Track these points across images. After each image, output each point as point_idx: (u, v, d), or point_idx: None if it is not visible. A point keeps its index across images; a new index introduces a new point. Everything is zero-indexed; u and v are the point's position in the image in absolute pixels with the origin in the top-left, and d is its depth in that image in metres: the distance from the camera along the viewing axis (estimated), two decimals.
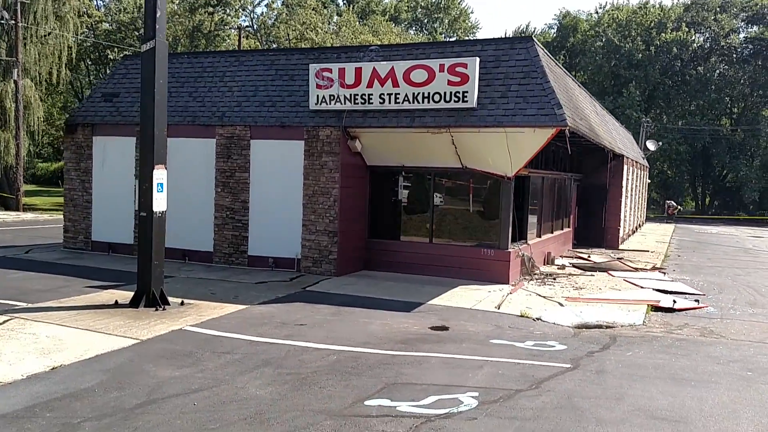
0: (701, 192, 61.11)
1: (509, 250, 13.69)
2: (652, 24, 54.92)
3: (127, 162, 15.80)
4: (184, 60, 16.41)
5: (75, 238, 16.70)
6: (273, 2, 49.99)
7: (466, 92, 12.76)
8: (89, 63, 51.89)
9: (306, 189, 14.20)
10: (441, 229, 14.76)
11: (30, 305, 10.41)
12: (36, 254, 16.11)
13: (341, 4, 63.51)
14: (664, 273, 16.86)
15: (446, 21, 72.30)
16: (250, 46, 46.12)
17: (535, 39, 13.64)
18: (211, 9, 45.45)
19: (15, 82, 31.26)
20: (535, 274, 15.16)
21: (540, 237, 16.76)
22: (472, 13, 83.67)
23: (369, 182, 15.13)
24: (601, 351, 8.77)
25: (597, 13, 64.26)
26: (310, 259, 14.27)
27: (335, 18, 56.44)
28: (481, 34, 75.49)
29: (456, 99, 12.85)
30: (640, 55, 52.98)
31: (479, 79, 12.85)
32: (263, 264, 14.68)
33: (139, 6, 45.96)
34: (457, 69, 12.79)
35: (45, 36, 34.03)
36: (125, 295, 11.04)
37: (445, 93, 12.92)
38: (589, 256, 19.31)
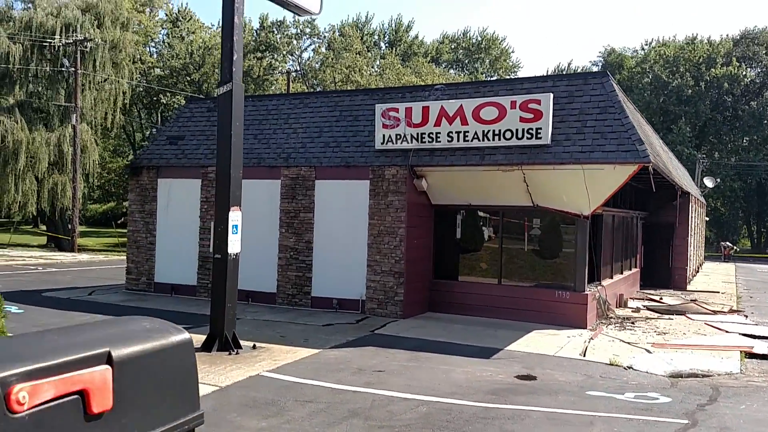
0: (756, 230, 58.98)
1: (586, 292, 13.06)
2: (701, 59, 54.04)
3: (192, 204, 15.80)
4: (249, 103, 16.50)
5: (137, 280, 16.69)
6: (319, 47, 51.03)
7: (540, 129, 12.41)
8: (141, 107, 53.51)
9: (371, 229, 13.92)
10: (510, 270, 14.23)
11: None
12: (99, 296, 16.11)
13: (384, 47, 64.48)
14: (745, 316, 15.91)
15: (487, 61, 72.62)
16: (297, 90, 46.96)
17: (609, 74, 13.27)
18: (260, 54, 46.57)
19: (73, 126, 32.22)
20: (611, 317, 14.43)
21: (612, 278, 16.05)
22: (512, 52, 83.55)
23: (434, 221, 14.79)
24: (710, 404, 8.07)
25: (643, 49, 63.76)
26: (375, 301, 13.89)
27: (378, 61, 57.25)
28: (521, 73, 75.41)
29: (529, 136, 12.49)
30: (690, 90, 52.04)
31: (552, 116, 12.50)
32: (327, 305, 14.35)
33: (190, 52, 47.45)
34: (530, 105, 12.47)
35: (101, 82, 35.21)
36: (196, 339, 10.78)
37: (517, 130, 12.58)
38: (661, 298, 18.42)
